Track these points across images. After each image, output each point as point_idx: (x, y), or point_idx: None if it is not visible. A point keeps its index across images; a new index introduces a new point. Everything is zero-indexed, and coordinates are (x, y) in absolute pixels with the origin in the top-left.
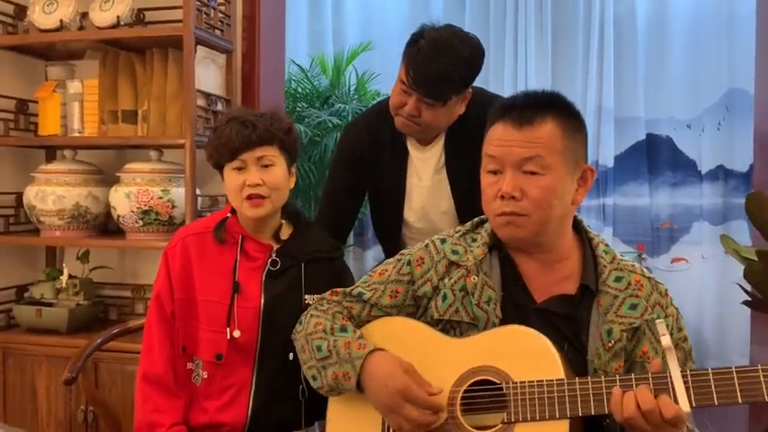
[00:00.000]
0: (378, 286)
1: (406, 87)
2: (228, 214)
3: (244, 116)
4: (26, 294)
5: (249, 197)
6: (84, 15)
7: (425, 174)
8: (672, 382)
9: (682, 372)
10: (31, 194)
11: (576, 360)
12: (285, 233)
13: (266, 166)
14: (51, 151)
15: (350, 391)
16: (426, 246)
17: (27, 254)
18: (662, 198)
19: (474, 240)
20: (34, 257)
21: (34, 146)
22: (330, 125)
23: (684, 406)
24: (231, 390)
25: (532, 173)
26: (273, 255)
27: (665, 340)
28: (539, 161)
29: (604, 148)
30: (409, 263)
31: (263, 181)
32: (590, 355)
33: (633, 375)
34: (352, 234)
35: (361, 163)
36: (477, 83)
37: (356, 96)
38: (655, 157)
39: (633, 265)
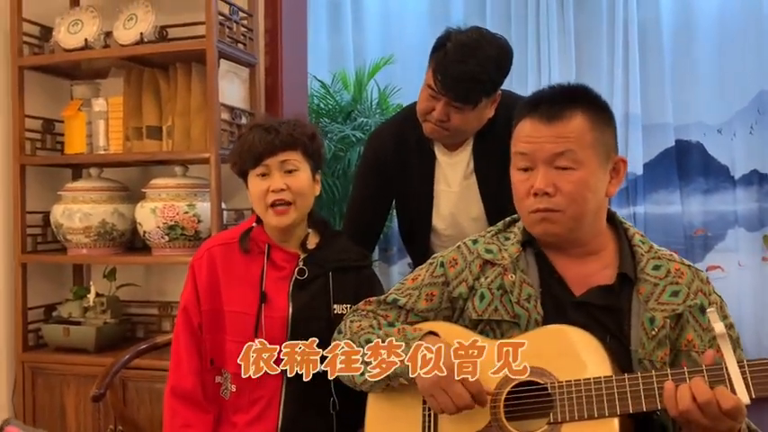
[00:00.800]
0: (412, 291)
1: (434, 92)
2: (254, 224)
3: (267, 122)
4: (54, 313)
5: (273, 204)
6: (108, 34)
7: (454, 179)
8: (728, 373)
9: (738, 362)
10: (57, 213)
11: (619, 351)
12: (312, 242)
13: (290, 172)
14: (78, 170)
15: (399, 377)
16: (458, 247)
17: (55, 273)
18: (694, 205)
19: (507, 239)
20: (62, 276)
21: (61, 164)
22: (353, 139)
23: (743, 396)
24: (260, 402)
25: (564, 168)
26: (300, 263)
27: (719, 327)
28: (570, 156)
29: (633, 156)
30: (442, 264)
31: (287, 186)
32: (633, 345)
33: (686, 368)
34: (377, 249)
35: (387, 169)
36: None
37: (378, 110)
38: (685, 163)
39: (671, 254)
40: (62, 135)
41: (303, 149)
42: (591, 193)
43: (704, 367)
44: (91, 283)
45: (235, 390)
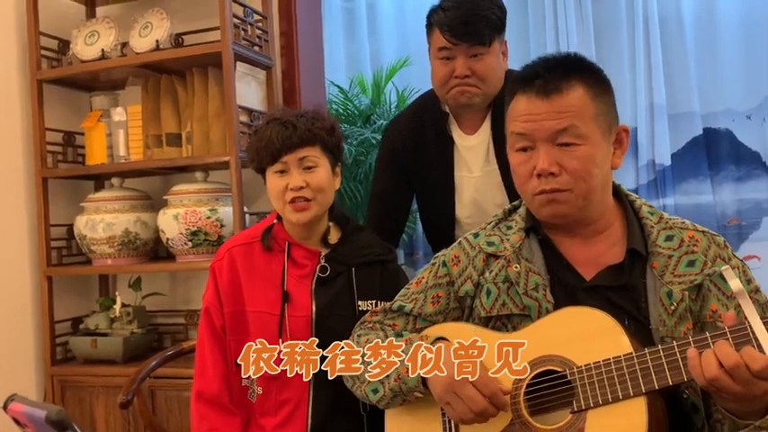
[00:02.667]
0: (418, 296)
1: (447, 51)
2: (275, 221)
3: (284, 116)
4: (81, 326)
5: (293, 201)
6: (125, 45)
7: (475, 164)
8: (753, 331)
9: (762, 318)
10: (81, 224)
11: (640, 332)
12: (334, 237)
13: (309, 168)
14: (100, 181)
15: (413, 391)
16: (459, 243)
17: (81, 285)
18: (726, 194)
19: (509, 228)
20: (88, 288)
21: (82, 175)
22: (374, 142)
23: None
24: (288, 405)
25: (568, 144)
26: (322, 261)
27: (735, 285)
28: (573, 131)
29: (660, 147)
30: (445, 264)
31: (306, 183)
32: (653, 323)
33: (708, 333)
34: (401, 253)
35: (405, 159)
36: None
37: (397, 112)
38: (714, 151)
39: (683, 222)
40: (83, 147)
41: (322, 144)
42: (597, 168)
43: (727, 329)
44: (117, 293)
45: (261, 392)
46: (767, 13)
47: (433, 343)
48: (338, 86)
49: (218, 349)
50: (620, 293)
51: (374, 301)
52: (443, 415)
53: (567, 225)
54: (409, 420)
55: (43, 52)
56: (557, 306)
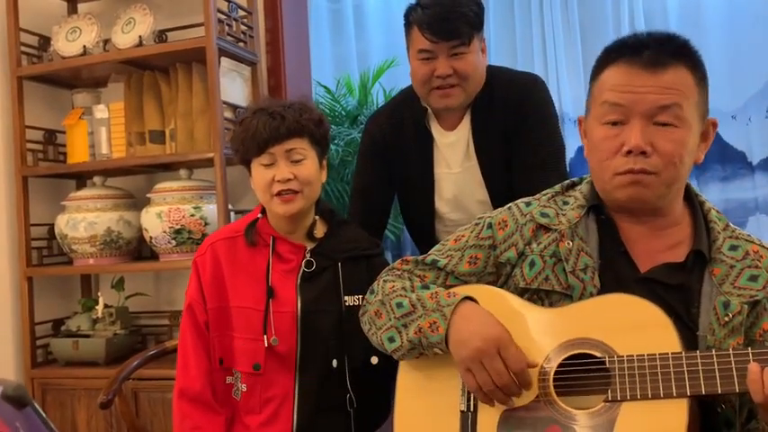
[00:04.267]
0: (454, 253)
1: (427, 51)
2: (259, 215)
3: (271, 107)
4: (62, 328)
5: (279, 193)
6: (107, 42)
7: (454, 161)
8: None
9: None
10: (62, 223)
11: (685, 336)
12: (320, 231)
13: (297, 161)
14: (82, 180)
15: (434, 347)
16: (509, 208)
17: (62, 286)
18: (713, 193)
19: (566, 203)
20: (69, 289)
21: (63, 174)
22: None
23: None
24: (273, 402)
25: (665, 124)
26: (308, 255)
27: None
28: (675, 111)
29: None
30: (490, 225)
31: (293, 175)
32: (701, 330)
33: None
34: (389, 255)
35: (385, 153)
36: None
37: None
38: None
39: (749, 235)
40: (64, 146)
41: (310, 136)
42: (687, 156)
43: None
44: (99, 294)
45: (246, 389)
46: (751, 14)
47: (459, 303)
48: (325, 87)
49: (202, 346)
50: (674, 293)
51: (361, 297)
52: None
53: (637, 212)
54: (424, 379)
55: (23, 48)
56: (602, 292)
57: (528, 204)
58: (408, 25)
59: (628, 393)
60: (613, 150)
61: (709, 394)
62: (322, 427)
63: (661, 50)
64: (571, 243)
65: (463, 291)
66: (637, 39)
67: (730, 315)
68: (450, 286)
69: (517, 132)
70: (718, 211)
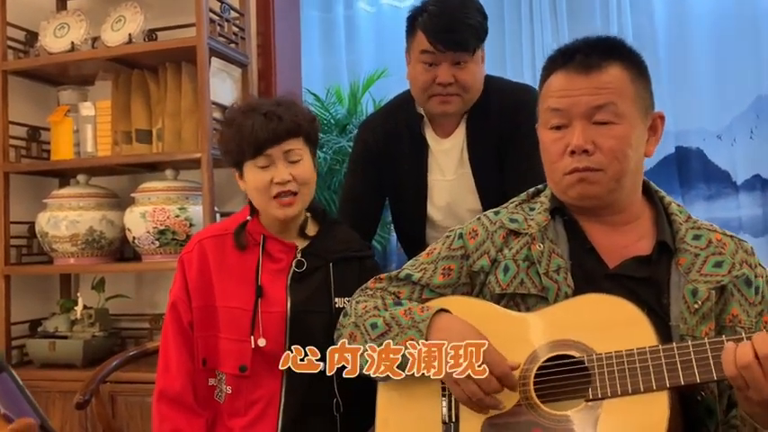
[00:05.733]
0: (428, 266)
1: (431, 56)
2: (248, 217)
3: (263, 107)
4: (39, 329)
5: (278, 195)
6: (96, 39)
7: (448, 168)
8: None
9: None
10: (43, 221)
11: (659, 327)
12: (311, 230)
13: (294, 161)
14: (65, 179)
15: None
16: (478, 218)
17: (41, 286)
18: (697, 212)
19: (533, 209)
20: (48, 290)
21: (47, 170)
22: (349, 150)
23: None
24: (258, 405)
25: (604, 123)
26: (299, 255)
27: None
28: (611, 109)
29: None
30: (461, 236)
31: (292, 177)
32: (673, 320)
33: (744, 335)
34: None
35: (378, 159)
36: None
37: None
38: (686, 170)
39: (712, 225)
40: (48, 143)
41: (305, 136)
42: (632, 150)
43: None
44: (78, 294)
45: (230, 391)
46: (737, 36)
47: (434, 316)
48: (314, 94)
49: (184, 346)
50: (643, 286)
51: None
52: (444, 389)
53: (594, 210)
54: (404, 396)
55: (10, 43)
56: (576, 292)
57: (496, 213)
58: (412, 28)
59: (608, 391)
60: (560, 152)
61: (688, 384)
62: (308, 429)
63: (592, 53)
64: (542, 245)
65: (437, 304)
66: (570, 45)
67: (700, 302)
68: (426, 299)
69: (511, 140)
70: (679, 205)
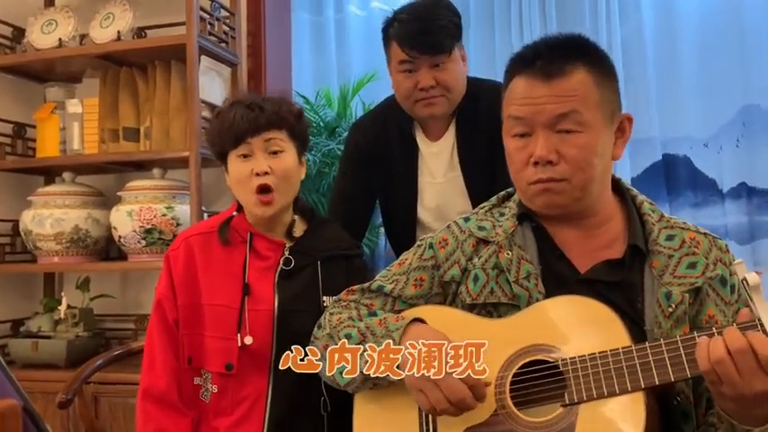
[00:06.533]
0: (399, 277)
1: (408, 64)
2: (234, 213)
3: (249, 99)
4: (22, 328)
5: (259, 191)
6: (84, 36)
7: (438, 170)
8: (761, 324)
9: None
10: (27, 219)
11: (634, 332)
12: (299, 229)
13: (275, 153)
14: (50, 177)
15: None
16: (448, 227)
17: (24, 285)
18: (684, 219)
19: (502, 215)
20: (32, 289)
21: (32, 168)
22: (338, 153)
23: None
24: (245, 404)
25: (568, 131)
26: (286, 253)
27: (752, 278)
28: (575, 117)
29: (619, 171)
30: (431, 246)
31: (271, 169)
32: (648, 324)
33: (714, 329)
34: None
35: (369, 161)
36: None
37: None
38: (673, 177)
39: (685, 222)
40: (34, 140)
41: (289, 129)
42: (598, 158)
43: (737, 324)
44: (62, 294)
45: (216, 390)
46: (724, 46)
47: (408, 326)
48: (304, 97)
49: (170, 344)
50: (616, 290)
51: None
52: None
53: (563, 216)
54: (381, 411)
55: None
56: (548, 297)
57: (467, 220)
58: (387, 39)
59: (584, 395)
60: (524, 161)
61: (662, 383)
62: (294, 428)
63: (553, 57)
64: (510, 253)
65: (411, 313)
66: (530, 48)
67: (673, 306)
68: (399, 311)
69: (501, 142)
70: (651, 203)
